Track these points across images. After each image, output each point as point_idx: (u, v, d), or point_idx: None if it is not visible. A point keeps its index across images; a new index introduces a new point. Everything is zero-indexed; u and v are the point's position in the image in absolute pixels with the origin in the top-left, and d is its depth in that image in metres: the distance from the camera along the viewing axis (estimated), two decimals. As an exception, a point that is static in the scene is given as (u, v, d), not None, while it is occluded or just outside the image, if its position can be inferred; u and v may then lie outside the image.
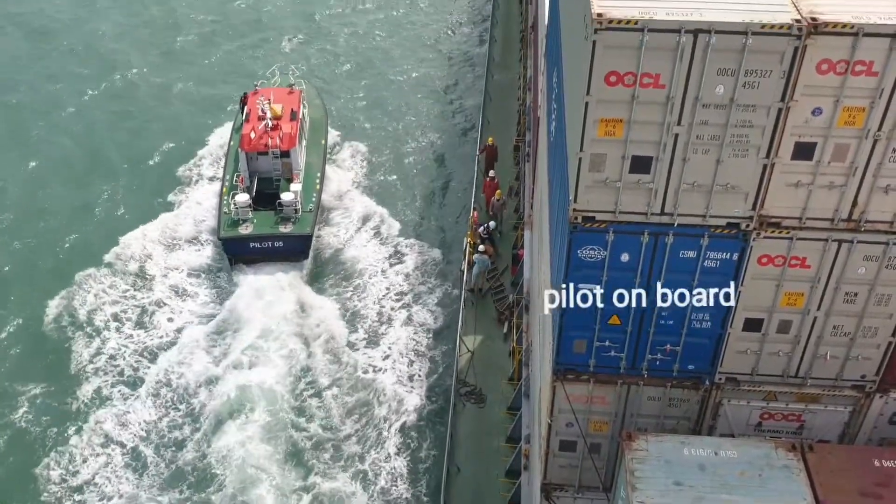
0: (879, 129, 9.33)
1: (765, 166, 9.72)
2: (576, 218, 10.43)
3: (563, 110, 13.02)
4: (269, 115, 29.40)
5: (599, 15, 8.98)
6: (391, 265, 29.23)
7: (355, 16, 45.57)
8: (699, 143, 9.69)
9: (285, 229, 27.99)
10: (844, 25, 8.72)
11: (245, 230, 27.86)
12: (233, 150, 30.73)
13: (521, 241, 24.86)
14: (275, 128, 29.21)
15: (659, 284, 10.87)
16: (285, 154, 29.22)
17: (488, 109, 33.50)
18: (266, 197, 28.80)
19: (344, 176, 32.77)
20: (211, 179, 32.47)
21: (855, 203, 9.92)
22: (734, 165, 9.76)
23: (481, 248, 25.15)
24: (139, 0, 46.64)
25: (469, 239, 25.91)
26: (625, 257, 10.74)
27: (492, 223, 26.42)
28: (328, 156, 32.37)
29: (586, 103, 9.60)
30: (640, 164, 9.98)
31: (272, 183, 29.29)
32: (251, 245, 27.99)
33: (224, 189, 29.41)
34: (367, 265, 29.04)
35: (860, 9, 8.90)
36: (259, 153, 29.23)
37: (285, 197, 28.15)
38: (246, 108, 30.81)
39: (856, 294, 10.64)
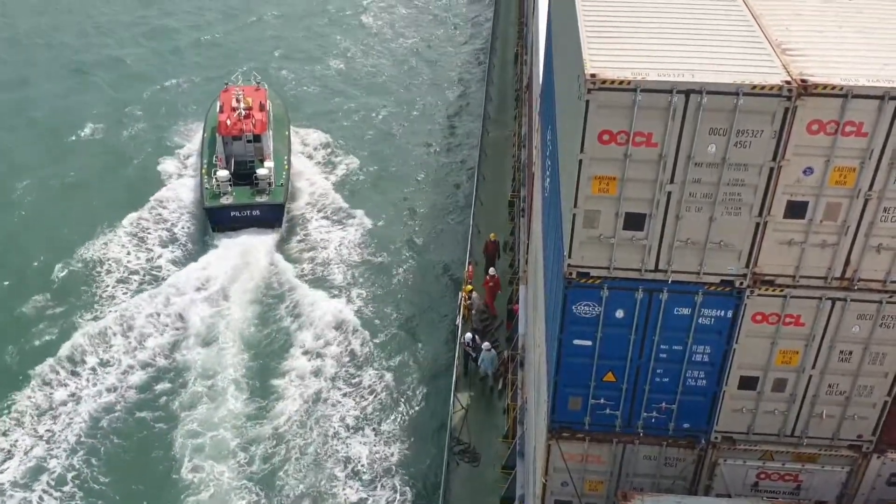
0: (870, 188, 9.43)
1: (757, 224, 9.79)
2: (570, 273, 10.45)
3: (557, 167, 13.15)
4: (242, 104, 33.80)
5: (593, 75, 9.13)
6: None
7: (356, 72, 46.57)
8: (692, 201, 9.77)
9: (261, 199, 32.61)
10: (834, 87, 8.88)
11: (226, 201, 32.44)
12: (208, 138, 35.48)
13: (516, 297, 24.82)
14: (247, 116, 33.65)
15: (654, 341, 10.86)
16: (257, 138, 33.65)
17: (484, 165, 33.84)
18: (241, 177, 33.20)
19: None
20: (180, 176, 36.79)
21: (848, 262, 9.97)
22: (727, 223, 9.83)
23: (486, 344, 23.78)
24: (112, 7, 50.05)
25: (464, 292, 25.88)
26: (619, 314, 10.74)
27: (477, 338, 24.36)
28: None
29: (580, 161, 9.70)
30: (634, 221, 10.05)
31: (246, 165, 33.59)
32: (231, 214, 32.53)
33: (203, 170, 34.05)
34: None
35: (849, 71, 9.08)
36: (234, 137, 33.52)
37: (261, 171, 32.71)
38: (219, 101, 35.26)
39: (850, 353, 10.62)
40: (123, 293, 30.37)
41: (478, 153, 34.95)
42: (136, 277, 31.17)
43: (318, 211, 35.08)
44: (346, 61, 46.95)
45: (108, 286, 30.64)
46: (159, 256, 32.28)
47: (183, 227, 33.78)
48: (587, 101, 9.24)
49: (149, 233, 33.36)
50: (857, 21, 10.35)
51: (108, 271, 31.36)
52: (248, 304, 29.84)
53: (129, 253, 32.30)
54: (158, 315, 29.07)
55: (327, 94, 44.14)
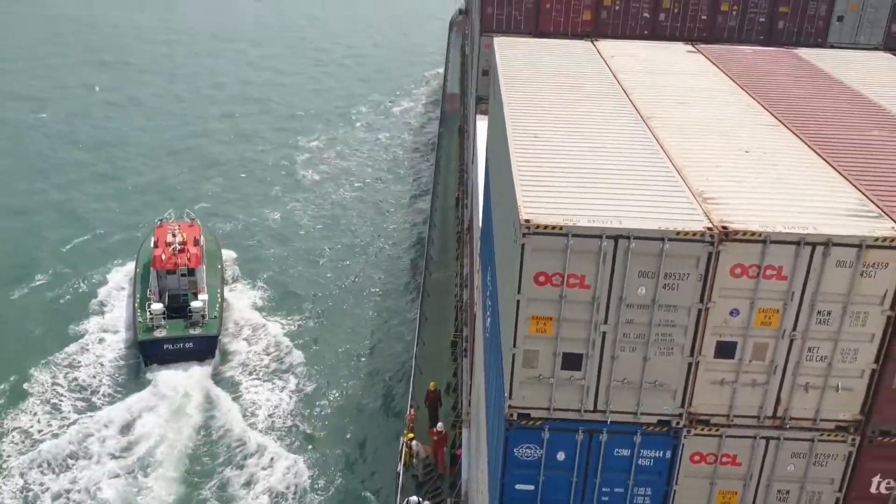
0: (794, 329, 9.81)
1: (690, 364, 10.02)
2: (511, 415, 10.44)
3: (497, 307, 13.38)
4: (178, 239, 34.81)
5: (527, 221, 9.52)
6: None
7: (294, 217, 47.37)
8: (626, 342, 10.00)
9: (195, 331, 32.85)
10: (753, 234, 9.39)
11: (160, 334, 32.52)
12: (141, 273, 36.10)
13: (459, 440, 24.40)
14: (182, 250, 34.50)
15: (596, 483, 10.76)
16: (191, 272, 34.28)
17: (426, 305, 34.07)
18: (174, 310, 33.45)
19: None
20: (112, 310, 36.82)
21: (778, 400, 10.20)
22: (661, 363, 10.05)
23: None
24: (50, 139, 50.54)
25: (406, 438, 25.35)
26: (561, 456, 10.67)
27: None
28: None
29: (518, 301, 9.93)
30: (572, 361, 10.20)
31: (179, 299, 33.96)
32: (165, 346, 32.46)
33: (136, 304, 34.28)
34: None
35: (766, 218, 9.64)
36: (169, 271, 34.17)
37: (195, 304, 33.12)
38: (153, 237, 36.15)
39: (787, 492, 10.67)
40: (42, 434, 29.11)
41: (420, 294, 35.29)
42: (59, 416, 30.01)
43: (252, 343, 35.12)
44: (284, 209, 48.04)
45: (30, 427, 29.41)
46: (89, 393, 31.40)
47: (114, 362, 33.34)
48: (523, 245, 9.58)
49: (78, 369, 32.68)
50: (771, 172, 11.08)
51: (31, 411, 30.26)
52: (179, 464, 28.36)
53: (57, 391, 31.35)
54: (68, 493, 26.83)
55: (263, 234, 44.92)
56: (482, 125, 24.15)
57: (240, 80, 74.36)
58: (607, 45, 18.22)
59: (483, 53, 28.49)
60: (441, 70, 72.81)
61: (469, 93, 39.17)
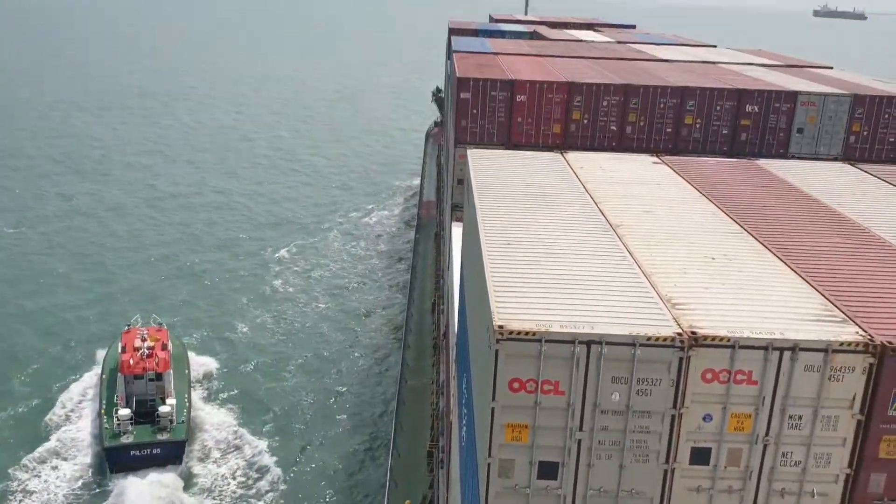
0: (767, 434, 9.85)
1: (665, 471, 9.97)
2: (487, 527, 10.25)
3: (472, 415, 13.29)
4: (146, 344, 34.86)
5: (500, 327, 9.63)
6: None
7: (265, 323, 47.11)
8: (602, 449, 9.95)
9: (163, 437, 32.59)
10: (721, 339, 9.55)
11: (127, 440, 32.27)
12: (107, 378, 35.82)
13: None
14: (150, 355, 34.45)
15: None
16: (159, 377, 34.23)
17: (402, 413, 33.59)
18: (141, 416, 33.24)
19: None
20: (78, 417, 36.17)
21: (755, 507, 10.14)
22: (636, 471, 9.98)
23: None
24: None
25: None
26: (539, 568, 10.43)
27: None
28: None
29: (492, 409, 9.91)
30: (548, 470, 10.10)
31: (146, 404, 33.79)
32: (132, 453, 32.20)
33: (102, 409, 34.06)
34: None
35: (736, 323, 9.82)
36: (136, 376, 34.04)
37: (163, 409, 32.96)
38: (121, 342, 36.12)
39: None
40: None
41: (395, 402, 34.88)
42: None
43: (220, 449, 34.56)
44: (255, 318, 47.95)
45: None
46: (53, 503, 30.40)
47: (79, 470, 32.58)
48: (497, 351, 9.65)
49: (42, 478, 31.94)
50: (737, 278, 11.35)
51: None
52: None
53: (19, 501, 30.27)
54: None
55: (233, 341, 44.56)
56: (457, 232, 24.55)
57: (217, 188, 75.27)
58: (576, 157, 18.84)
59: (457, 163, 29.27)
60: (417, 179, 74.37)
61: (445, 200, 39.95)
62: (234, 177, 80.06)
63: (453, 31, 60.41)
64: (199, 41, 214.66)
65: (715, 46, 54.00)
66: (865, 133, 29.81)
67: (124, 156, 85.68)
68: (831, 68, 40.76)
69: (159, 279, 52.47)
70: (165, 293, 50.31)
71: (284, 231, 63.57)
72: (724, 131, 30.38)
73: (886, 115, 29.59)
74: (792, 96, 29.93)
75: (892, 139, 29.68)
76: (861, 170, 18.15)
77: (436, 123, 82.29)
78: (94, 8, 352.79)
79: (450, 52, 45.73)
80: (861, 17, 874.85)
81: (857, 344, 9.37)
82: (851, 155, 29.56)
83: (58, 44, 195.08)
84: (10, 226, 60.81)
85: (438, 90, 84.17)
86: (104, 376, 36.66)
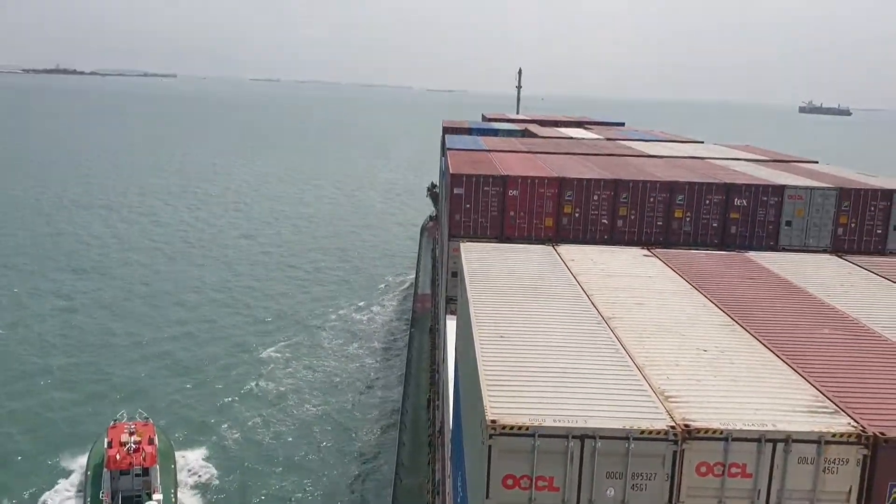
0: (765, 528, 9.70)
1: (664, 567, 9.78)
2: None
3: (467, 514, 13.06)
4: (133, 438, 34.54)
5: (493, 421, 9.60)
6: None
7: (255, 427, 46.45)
8: (598, 547, 9.78)
9: None
10: (715, 431, 9.53)
11: None
12: (92, 476, 35.24)
13: None
14: (136, 450, 34.16)
15: None
16: (146, 472, 33.85)
17: (397, 514, 32.81)
18: None
19: None
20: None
21: None
22: (635, 568, 9.78)
23: None
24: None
25: None
26: None
27: None
28: None
29: (486, 507, 9.78)
30: (545, 569, 9.88)
31: (132, 500, 33.18)
32: None
33: None
34: None
35: (728, 415, 9.82)
36: (122, 472, 33.66)
37: None
38: (107, 437, 35.69)
39: None
40: None
41: (391, 503, 34.10)
42: None
43: None
44: (244, 416, 47.13)
45: None
46: None
47: None
48: (489, 447, 9.60)
49: None
50: (729, 369, 11.40)
51: None
52: None
53: None
54: None
55: (222, 439, 43.83)
56: (452, 325, 24.60)
57: (215, 285, 75.43)
58: (568, 250, 19.11)
59: (452, 256, 29.56)
60: (413, 273, 74.72)
61: (439, 293, 40.09)
62: (233, 273, 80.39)
63: (447, 130, 61.91)
64: (202, 143, 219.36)
65: (702, 142, 55.29)
66: (853, 225, 30.29)
67: (123, 253, 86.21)
68: (816, 162, 41.70)
69: (150, 375, 52.00)
70: (156, 389, 49.77)
71: (278, 328, 63.37)
72: (714, 224, 30.84)
73: (872, 208, 30.14)
74: (779, 190, 30.55)
75: (879, 231, 30.15)
76: (848, 261, 18.42)
77: (431, 218, 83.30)
78: (97, 114, 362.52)
79: (444, 149, 46.80)
80: (846, 112, 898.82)
81: (850, 435, 9.36)
82: (840, 246, 29.95)
83: (61, 141, 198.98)
84: (4, 326, 60.60)
85: (433, 185, 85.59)
86: (89, 472, 36.08)
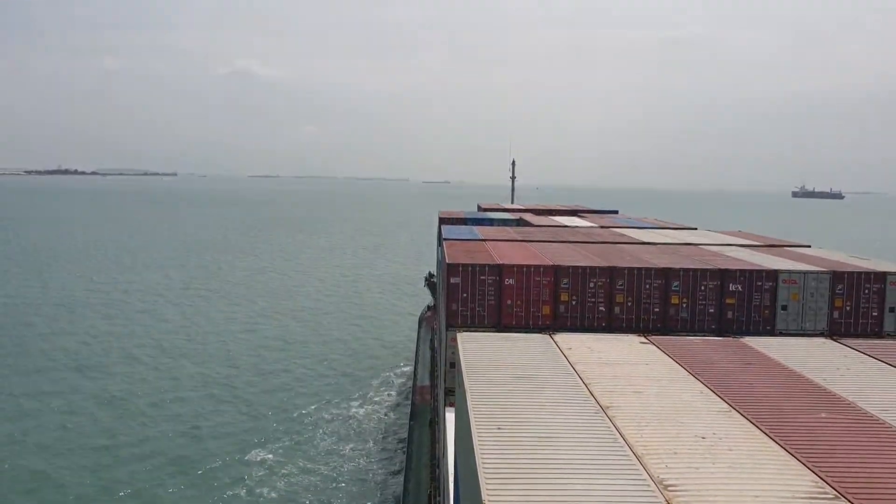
0: None
1: None
2: None
3: None
4: None
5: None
6: None
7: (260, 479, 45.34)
8: None
9: None
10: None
11: None
12: None
13: None
14: None
15: None
16: None
17: None
18: None
19: None
20: None
21: None
22: None
23: None
24: None
25: None
26: None
27: None
28: None
29: None
30: None
31: None
32: None
33: None
34: None
35: (728, 503, 9.75)
36: None
37: None
38: None
39: None
40: None
41: None
42: None
43: None
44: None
45: None
46: None
47: None
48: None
49: None
50: (728, 457, 11.35)
51: None
52: None
53: None
54: None
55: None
56: (451, 417, 24.40)
57: (212, 380, 74.81)
58: (565, 338, 19.18)
59: (449, 347, 29.55)
60: (411, 364, 74.25)
61: (438, 385, 39.81)
62: (232, 367, 79.82)
63: (443, 220, 62.72)
64: (201, 240, 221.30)
65: (696, 228, 56.02)
66: (848, 308, 30.46)
67: (122, 350, 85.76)
68: (809, 247, 42.18)
69: (145, 476, 50.93)
70: (141, 491, 48.64)
71: (278, 424, 62.48)
72: (711, 310, 30.97)
73: (866, 290, 30.37)
74: (773, 275, 30.83)
75: (874, 313, 30.29)
76: (844, 344, 18.49)
77: (428, 307, 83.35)
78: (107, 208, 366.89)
79: (440, 239, 47.32)
80: (838, 196, 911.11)
81: (853, 523, 9.28)
82: (837, 330, 30.05)
83: (60, 240, 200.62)
84: (2, 425, 59.90)
85: (431, 275, 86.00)
86: None
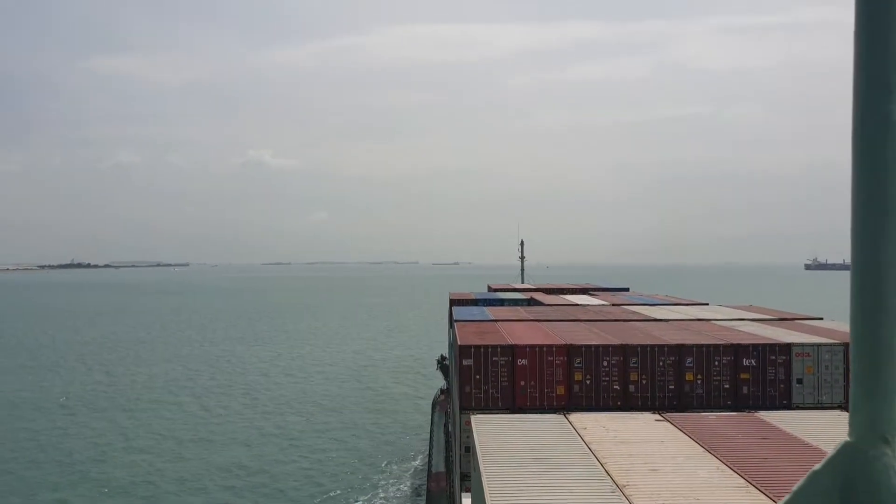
0: None
1: None
2: None
3: None
4: None
5: None
6: None
7: None
8: None
9: None
10: None
11: None
12: None
13: None
14: None
15: None
16: None
17: None
18: None
19: None
20: None
21: None
22: None
23: None
24: None
25: None
26: None
27: None
28: None
29: None
30: None
31: None
32: None
33: None
34: None
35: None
36: None
37: None
38: None
39: None
40: None
41: None
42: None
43: None
44: None
45: None
46: None
47: None
48: None
49: None
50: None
51: None
52: None
53: None
54: None
55: None
56: (468, 503, 24.11)
57: (227, 473, 73.90)
58: (579, 418, 19.16)
59: (464, 430, 29.35)
60: (425, 450, 73.22)
61: (454, 470, 39.27)
62: (244, 460, 78.92)
63: (454, 302, 62.92)
64: (213, 331, 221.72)
65: (707, 304, 55.99)
66: (864, 380, 30.20)
67: (126, 444, 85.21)
68: (822, 319, 42.08)
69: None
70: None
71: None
72: (726, 386, 30.80)
73: (881, 361, 30.19)
74: (786, 348, 30.75)
75: (891, 384, 30.01)
76: (861, 417, 18.37)
77: (441, 391, 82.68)
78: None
79: (451, 320, 47.41)
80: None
81: None
82: (855, 402, 29.71)
83: (68, 334, 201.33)
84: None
85: (443, 358, 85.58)
86: None
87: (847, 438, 3.31)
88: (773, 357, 30.69)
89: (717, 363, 30.89)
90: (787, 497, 3.40)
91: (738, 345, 31.17)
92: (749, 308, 50.23)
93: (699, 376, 30.83)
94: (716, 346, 31.12)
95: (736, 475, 13.75)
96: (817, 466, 3.34)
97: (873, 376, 3.23)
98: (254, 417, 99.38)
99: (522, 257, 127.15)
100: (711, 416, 19.54)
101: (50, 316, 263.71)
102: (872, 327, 3.22)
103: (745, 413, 19.72)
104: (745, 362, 30.79)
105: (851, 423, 3.30)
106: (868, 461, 3.20)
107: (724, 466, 14.40)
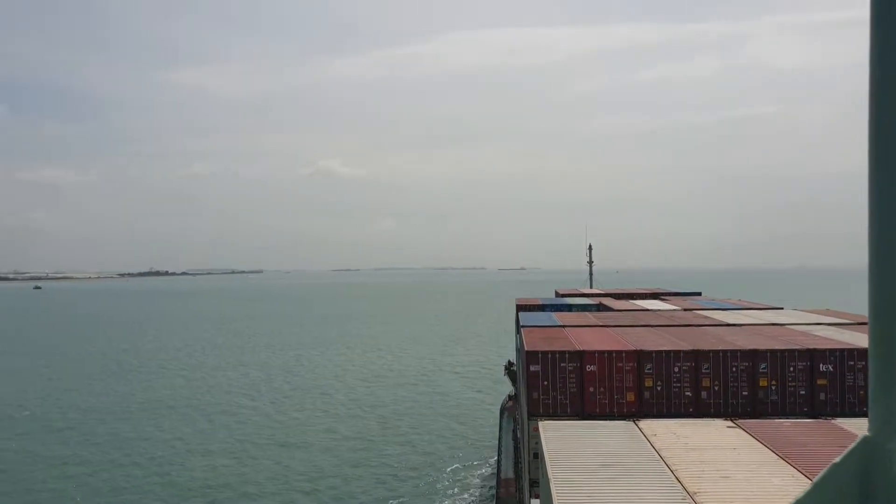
0: None
1: None
2: None
3: None
4: None
5: None
6: None
7: None
8: None
9: None
10: None
11: None
12: None
13: None
14: None
15: None
16: None
17: None
18: None
19: None
20: None
21: None
22: None
23: None
24: None
25: None
26: None
27: None
28: None
29: None
30: None
31: None
32: None
33: None
34: None
35: None
36: None
37: None
38: None
39: None
40: None
41: None
42: None
43: None
44: None
45: None
46: None
47: None
48: None
49: None
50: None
51: None
52: None
53: None
54: None
55: None
56: (537, 509, 24.11)
57: (299, 480, 75.22)
58: (649, 425, 19.02)
59: (532, 436, 29.33)
60: (494, 456, 73.20)
61: (523, 476, 39.22)
62: (316, 466, 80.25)
63: (520, 308, 62.80)
64: (285, 336, 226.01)
65: (782, 308, 54.59)
66: (950, 386, 29.06)
67: (204, 448, 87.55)
68: (903, 323, 40.60)
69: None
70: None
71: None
72: (802, 392, 30.04)
73: (968, 367, 29.01)
74: (864, 353, 29.80)
75: (980, 391, 28.81)
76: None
77: (510, 397, 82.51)
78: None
79: (518, 326, 47.37)
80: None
81: None
82: (940, 409, 28.60)
83: (145, 340, 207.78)
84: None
85: (510, 363, 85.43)
86: None
87: (867, 433, 3.44)
88: (852, 363, 29.77)
89: (792, 369, 30.14)
90: (807, 488, 3.49)
91: (815, 350, 30.35)
92: (826, 312, 48.79)
93: (774, 382, 30.13)
94: (791, 352, 30.37)
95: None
96: (837, 459, 3.44)
97: (891, 373, 3.34)
98: (328, 421, 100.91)
99: (591, 262, 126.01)
100: (786, 423, 19.14)
101: (129, 323, 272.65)
102: (889, 326, 3.31)
103: (821, 420, 19.24)
104: (822, 368, 29.96)
105: (870, 419, 3.41)
106: (886, 454, 3.31)
107: (798, 474, 14.12)
